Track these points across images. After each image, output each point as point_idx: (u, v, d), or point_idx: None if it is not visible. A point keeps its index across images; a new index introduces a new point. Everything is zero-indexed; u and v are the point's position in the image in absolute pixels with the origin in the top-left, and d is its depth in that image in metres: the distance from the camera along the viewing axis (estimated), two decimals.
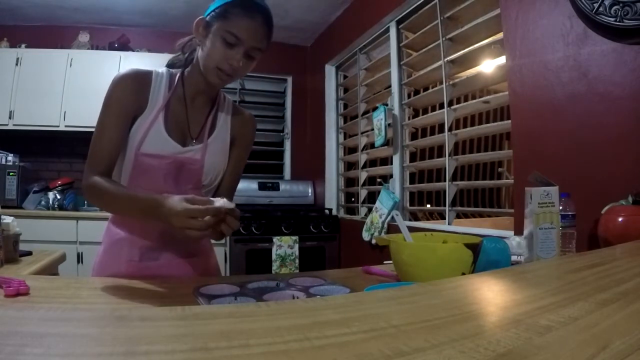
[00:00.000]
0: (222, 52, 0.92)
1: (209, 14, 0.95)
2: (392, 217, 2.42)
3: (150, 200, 0.84)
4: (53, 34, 3.49)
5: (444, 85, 2.16)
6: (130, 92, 0.97)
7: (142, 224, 0.99)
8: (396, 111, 2.57)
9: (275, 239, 2.94)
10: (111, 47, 3.46)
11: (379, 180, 2.91)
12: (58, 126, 3.19)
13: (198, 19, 0.96)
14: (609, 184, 1.27)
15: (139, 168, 0.97)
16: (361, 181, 3.08)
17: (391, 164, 2.65)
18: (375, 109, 2.73)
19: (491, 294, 0.54)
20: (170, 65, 1.09)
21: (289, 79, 4.08)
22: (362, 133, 3.05)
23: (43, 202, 3.06)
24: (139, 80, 0.99)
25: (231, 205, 0.79)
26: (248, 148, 1.15)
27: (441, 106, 2.20)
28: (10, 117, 3.12)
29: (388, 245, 0.90)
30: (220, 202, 0.78)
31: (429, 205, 3.05)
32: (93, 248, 2.87)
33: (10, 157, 3.14)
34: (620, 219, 1.08)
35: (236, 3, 0.92)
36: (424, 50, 2.35)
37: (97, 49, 3.45)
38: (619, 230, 1.07)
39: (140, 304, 0.75)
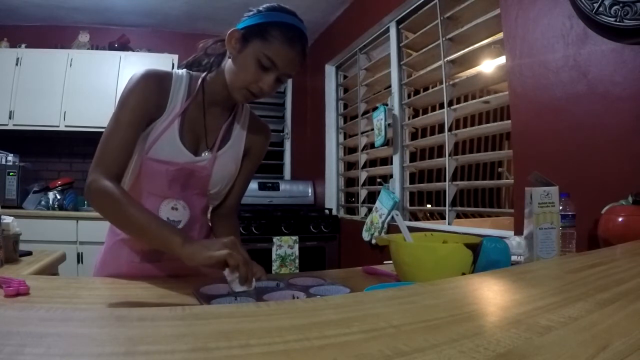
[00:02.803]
0: (255, 74, 0.88)
1: (244, 28, 0.89)
2: (392, 217, 2.42)
3: (173, 229, 0.81)
4: (53, 34, 3.49)
5: (444, 85, 2.16)
6: (151, 93, 0.92)
7: None
8: (396, 111, 2.57)
9: (275, 239, 2.94)
10: (111, 47, 3.46)
11: (379, 180, 2.91)
12: (58, 126, 3.19)
13: (232, 30, 0.90)
14: (609, 184, 1.27)
15: (145, 171, 0.95)
16: (361, 181, 3.08)
17: (391, 164, 2.65)
18: (375, 109, 2.73)
19: (491, 294, 0.54)
20: (189, 65, 1.03)
21: (289, 79, 4.07)
22: (362, 133, 3.05)
23: (43, 202, 3.06)
24: (160, 82, 0.95)
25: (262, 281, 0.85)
26: (260, 159, 1.13)
27: (441, 106, 2.19)
28: (10, 117, 3.12)
29: (388, 245, 0.90)
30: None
31: (429, 205, 3.05)
32: (93, 248, 2.88)
33: (10, 157, 3.14)
34: (620, 219, 1.08)
35: (278, 25, 0.87)
36: (424, 50, 2.35)
37: (97, 49, 3.45)
38: (619, 230, 1.07)
39: (140, 304, 0.75)
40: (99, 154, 0.88)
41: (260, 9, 0.91)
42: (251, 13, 0.91)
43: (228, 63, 0.93)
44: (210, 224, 1.13)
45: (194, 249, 0.75)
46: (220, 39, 0.98)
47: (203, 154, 0.99)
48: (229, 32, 0.91)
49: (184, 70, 1.02)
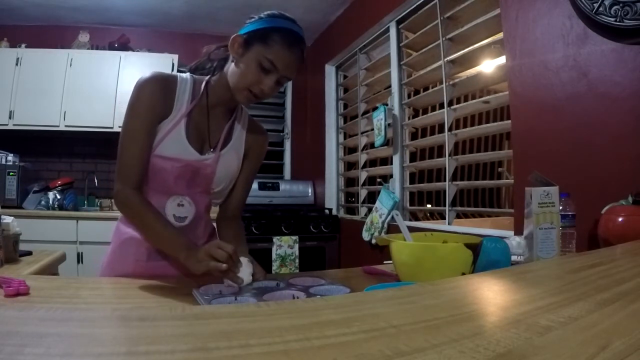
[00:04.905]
0: (256, 75, 0.92)
1: (246, 33, 0.94)
2: (392, 217, 2.42)
3: (181, 241, 0.90)
4: (53, 34, 3.49)
5: (444, 85, 2.16)
6: (157, 96, 0.96)
7: None
8: (396, 111, 2.57)
9: (275, 239, 2.94)
10: (111, 47, 3.46)
11: (379, 180, 2.91)
12: (58, 126, 3.19)
13: (235, 36, 0.95)
14: (609, 184, 1.27)
15: (152, 169, 0.97)
16: (361, 181, 3.08)
17: (391, 164, 2.65)
18: (375, 109, 2.73)
19: (491, 294, 0.54)
20: (193, 70, 1.09)
21: (288, 82, 4.06)
22: (362, 133, 3.05)
23: (43, 202, 3.05)
24: (165, 85, 0.98)
25: (249, 280, 0.87)
26: (259, 162, 1.17)
27: (441, 106, 2.19)
28: (10, 117, 3.12)
29: (388, 245, 0.90)
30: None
31: (429, 205, 3.05)
32: (93, 248, 2.88)
33: (10, 157, 3.14)
34: (620, 219, 1.08)
35: (278, 30, 0.92)
36: (424, 50, 2.35)
37: (97, 49, 3.45)
38: (619, 230, 1.07)
39: (141, 304, 0.75)
40: (119, 166, 0.95)
41: (262, 15, 0.95)
42: (253, 19, 0.95)
43: (231, 66, 0.97)
44: (214, 224, 1.15)
45: (191, 265, 0.86)
46: (222, 45, 1.02)
47: (207, 154, 1.02)
48: (232, 37, 0.95)
49: (188, 74, 1.05)
